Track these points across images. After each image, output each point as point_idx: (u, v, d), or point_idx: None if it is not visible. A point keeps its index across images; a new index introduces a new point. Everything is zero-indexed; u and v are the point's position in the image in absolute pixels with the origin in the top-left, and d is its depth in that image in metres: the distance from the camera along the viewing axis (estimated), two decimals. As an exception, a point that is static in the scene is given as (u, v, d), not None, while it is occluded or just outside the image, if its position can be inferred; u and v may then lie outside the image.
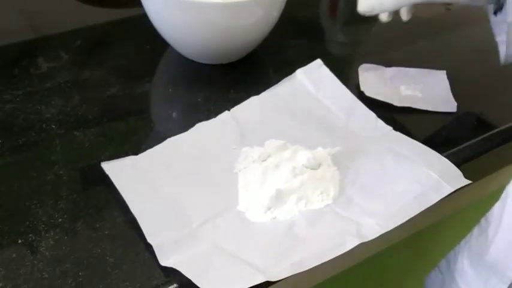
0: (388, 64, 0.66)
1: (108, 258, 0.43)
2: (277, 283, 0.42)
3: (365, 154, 0.53)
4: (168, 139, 0.53)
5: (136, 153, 0.51)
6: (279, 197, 0.47)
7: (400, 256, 0.71)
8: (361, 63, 0.65)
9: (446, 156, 0.52)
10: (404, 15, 0.58)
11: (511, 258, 0.48)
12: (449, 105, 0.61)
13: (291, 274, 0.42)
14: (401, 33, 0.66)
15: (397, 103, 0.60)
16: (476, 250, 0.52)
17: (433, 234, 0.61)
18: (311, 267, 0.42)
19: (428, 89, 0.63)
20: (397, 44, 0.67)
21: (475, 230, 0.52)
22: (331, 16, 0.81)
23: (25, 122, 0.55)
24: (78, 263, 0.42)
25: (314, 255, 0.43)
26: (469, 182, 0.50)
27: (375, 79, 0.63)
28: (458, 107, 0.61)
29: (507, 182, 0.48)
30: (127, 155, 0.51)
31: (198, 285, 0.40)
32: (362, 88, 0.61)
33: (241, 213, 0.47)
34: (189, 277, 0.41)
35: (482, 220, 0.51)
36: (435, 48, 0.72)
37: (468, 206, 0.66)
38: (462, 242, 0.54)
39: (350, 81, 0.62)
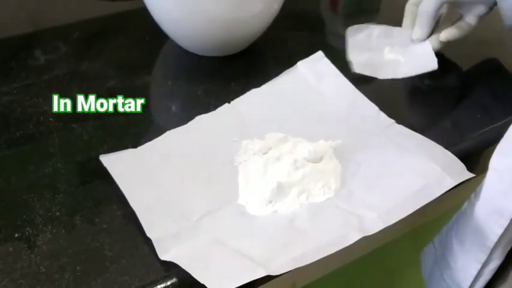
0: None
1: (106, 252, 0.43)
2: (278, 277, 0.42)
3: (367, 147, 0.53)
4: (168, 132, 0.53)
5: (135, 146, 0.51)
6: (280, 190, 0.47)
7: (403, 250, 0.71)
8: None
9: (449, 150, 0.52)
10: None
11: (489, 228, 0.49)
12: (430, 64, 0.62)
13: (292, 268, 0.41)
14: (401, 25, 0.66)
15: (380, 74, 0.63)
16: (462, 223, 0.53)
17: (436, 228, 0.61)
18: (312, 261, 0.42)
19: (410, 52, 0.64)
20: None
21: (465, 204, 0.53)
22: (332, 9, 0.81)
23: (22, 114, 0.54)
24: (76, 257, 0.42)
25: (315, 249, 0.42)
26: (472, 175, 0.49)
27: (363, 40, 0.66)
28: (460, 102, 0.61)
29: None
30: (126, 148, 0.51)
31: (198, 279, 0.40)
32: (348, 50, 0.63)
33: (242, 206, 0.47)
34: (189, 271, 0.40)
35: (472, 195, 0.51)
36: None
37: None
38: (454, 217, 0.55)
39: (351, 74, 0.62)
